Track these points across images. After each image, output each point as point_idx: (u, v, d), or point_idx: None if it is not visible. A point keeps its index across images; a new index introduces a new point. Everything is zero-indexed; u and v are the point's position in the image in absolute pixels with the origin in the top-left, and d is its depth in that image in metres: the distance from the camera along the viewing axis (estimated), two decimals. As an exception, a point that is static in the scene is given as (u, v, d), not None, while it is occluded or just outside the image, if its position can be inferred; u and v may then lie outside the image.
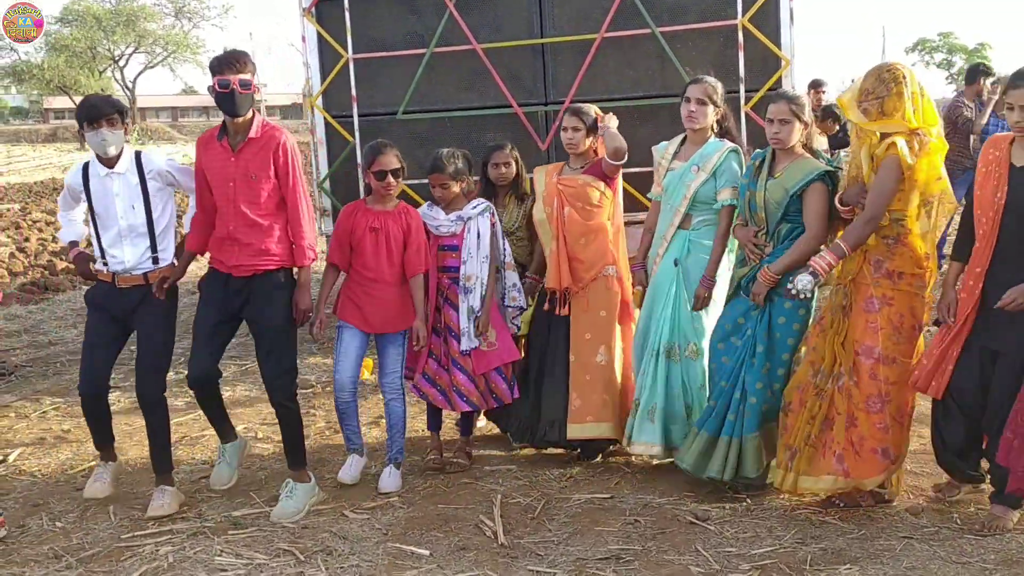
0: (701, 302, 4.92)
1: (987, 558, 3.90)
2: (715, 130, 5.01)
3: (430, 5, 7.11)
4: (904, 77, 4.25)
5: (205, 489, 5.03)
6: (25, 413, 6.54)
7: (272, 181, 4.65)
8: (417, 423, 5.73)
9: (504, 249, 5.17)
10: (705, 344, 4.92)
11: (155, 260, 4.76)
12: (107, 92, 51.08)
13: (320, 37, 7.24)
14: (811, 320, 4.63)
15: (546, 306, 5.25)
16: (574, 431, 5.14)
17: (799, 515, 4.40)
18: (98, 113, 4.61)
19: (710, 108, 4.92)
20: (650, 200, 5.34)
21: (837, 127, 9.40)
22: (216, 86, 4.57)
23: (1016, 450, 4.03)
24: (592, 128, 5.18)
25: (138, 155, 4.80)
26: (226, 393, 6.71)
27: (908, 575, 3.81)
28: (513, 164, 5.44)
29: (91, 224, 4.80)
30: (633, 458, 5.20)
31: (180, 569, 4.09)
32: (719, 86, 4.97)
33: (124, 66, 51.90)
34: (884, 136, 4.30)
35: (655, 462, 5.15)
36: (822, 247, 4.44)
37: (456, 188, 5.03)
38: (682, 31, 6.78)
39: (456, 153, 5.06)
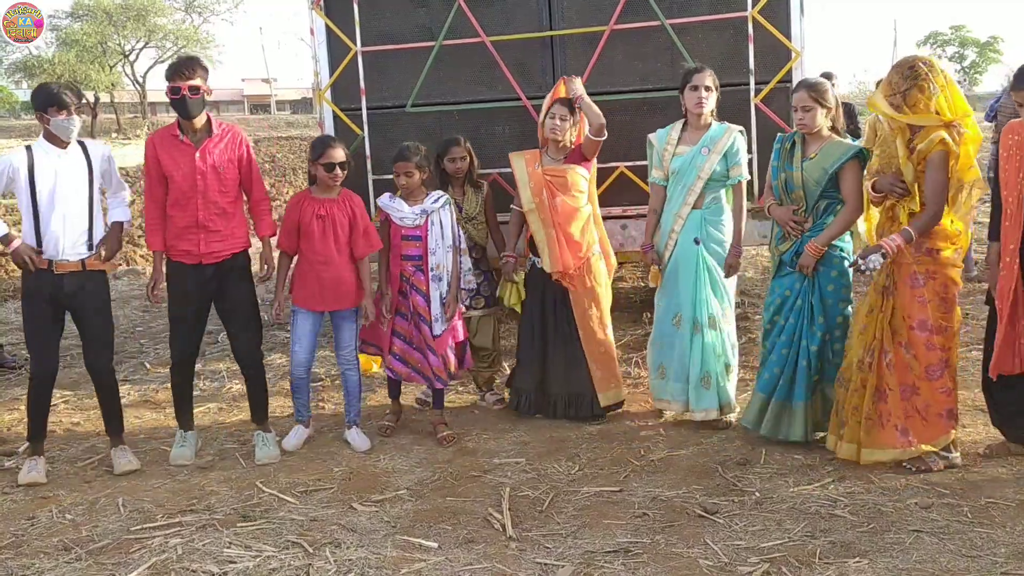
0: (733, 270, 5.49)
1: (997, 552, 3.88)
2: (714, 114, 5.49)
3: (439, -3, 7.09)
4: (925, 72, 4.48)
5: (214, 482, 5.04)
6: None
7: (235, 172, 5.23)
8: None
9: (459, 236, 5.56)
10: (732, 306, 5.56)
11: (89, 246, 5.08)
12: (117, 87, 51.35)
13: (329, 30, 7.22)
14: (851, 284, 5.08)
15: (556, 279, 5.64)
16: (604, 399, 5.71)
17: (808, 508, 4.38)
18: (70, 100, 4.98)
19: (714, 94, 5.41)
20: (651, 184, 5.66)
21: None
22: (168, 93, 5.08)
23: None
24: (573, 111, 5.61)
25: (82, 143, 5.15)
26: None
27: (918, 568, 3.79)
28: (467, 157, 5.94)
29: (29, 209, 4.98)
30: (642, 451, 5.21)
31: (189, 561, 4.10)
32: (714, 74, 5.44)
33: (134, 61, 51.87)
34: (914, 129, 4.52)
35: (660, 454, 5.18)
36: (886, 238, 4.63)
37: (418, 177, 5.42)
38: (692, 23, 6.74)
39: (419, 145, 5.49)
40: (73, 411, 6.42)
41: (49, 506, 4.78)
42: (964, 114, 4.53)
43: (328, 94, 7.28)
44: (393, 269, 5.50)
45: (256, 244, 5.43)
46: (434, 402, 5.73)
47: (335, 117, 7.27)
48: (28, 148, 5.06)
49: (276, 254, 5.44)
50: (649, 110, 6.83)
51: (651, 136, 5.66)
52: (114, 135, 46.32)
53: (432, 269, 5.41)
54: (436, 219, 5.42)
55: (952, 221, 4.63)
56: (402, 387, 5.85)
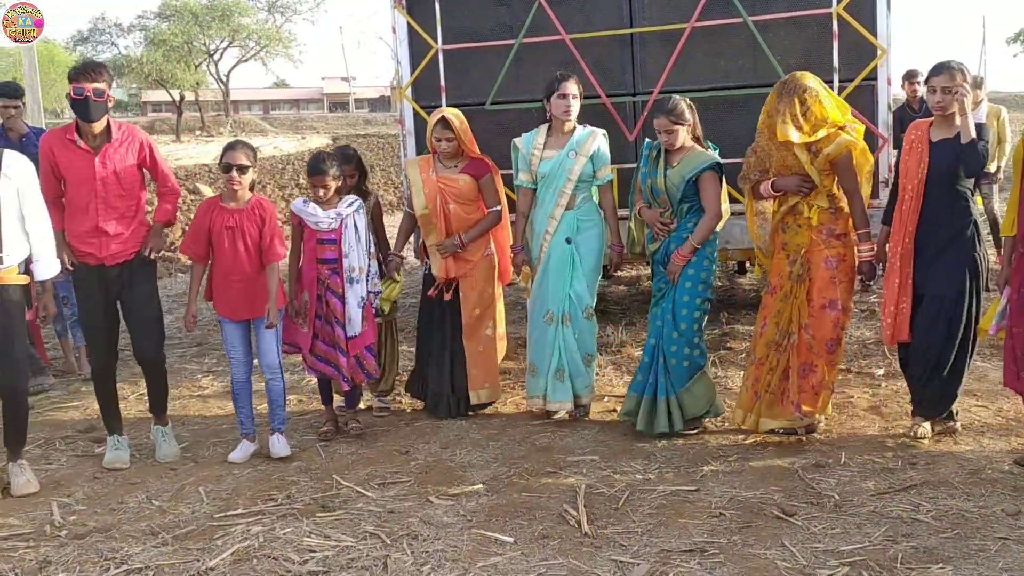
0: (619, 268, 5.91)
1: (1088, 562, 3.77)
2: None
3: (519, -4, 7.13)
4: (816, 88, 5.03)
5: (294, 472, 5.14)
6: (124, 395, 6.73)
7: (136, 174, 5.15)
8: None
9: (370, 240, 5.63)
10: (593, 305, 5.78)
11: None
12: (202, 86, 52.38)
13: (410, 28, 7.30)
14: (712, 281, 5.47)
15: (432, 292, 5.90)
16: (475, 397, 5.96)
17: (890, 512, 4.31)
18: None
19: (579, 101, 5.68)
20: (518, 188, 5.85)
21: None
22: (72, 94, 4.90)
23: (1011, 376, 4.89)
24: (452, 130, 5.70)
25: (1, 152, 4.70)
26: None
27: (1004, 577, 3.71)
28: (355, 175, 5.94)
29: None
30: (719, 451, 5.17)
31: (270, 549, 4.19)
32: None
33: (218, 60, 52.98)
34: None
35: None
36: (862, 243, 5.17)
37: (334, 187, 5.46)
38: (774, 20, 6.67)
39: (332, 157, 5.55)
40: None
41: (137, 492, 4.93)
42: (848, 117, 5.17)
43: (409, 92, 7.37)
44: (310, 272, 5.50)
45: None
46: (347, 402, 5.83)
47: (415, 114, 7.35)
48: None
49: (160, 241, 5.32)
50: (730, 108, 6.78)
51: (516, 141, 5.85)
52: (198, 132, 47.32)
53: (347, 271, 5.45)
54: (350, 222, 5.45)
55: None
56: (333, 393, 5.89)
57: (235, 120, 54.58)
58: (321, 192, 5.42)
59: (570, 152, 5.62)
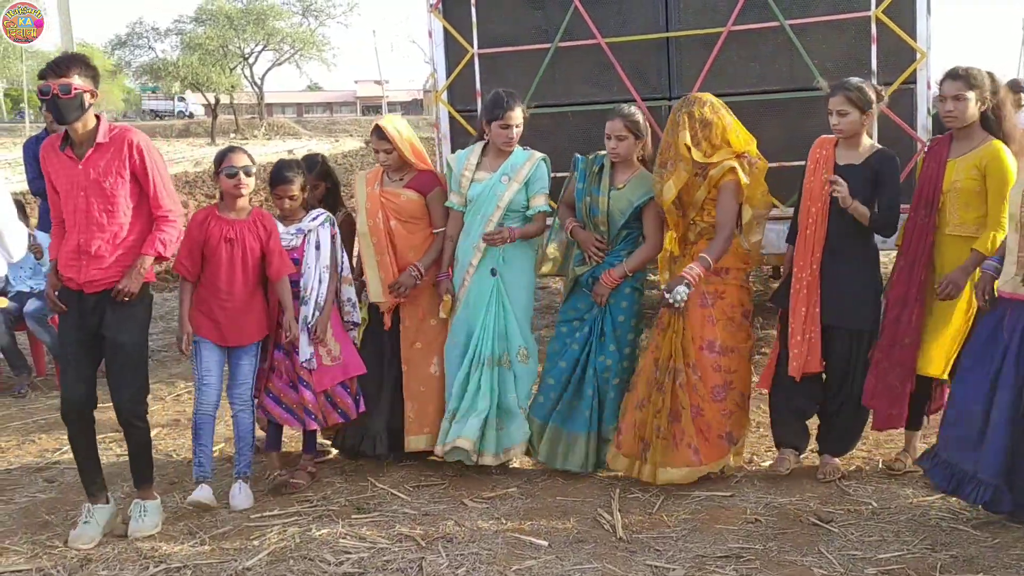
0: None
1: None
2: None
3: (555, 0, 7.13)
4: (719, 107, 4.80)
5: (329, 474, 5.17)
6: (160, 396, 6.81)
7: (127, 185, 4.36)
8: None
9: (342, 262, 5.12)
10: (533, 345, 5.17)
11: None
12: (236, 89, 52.82)
13: (446, 32, 7.32)
14: (640, 313, 5.09)
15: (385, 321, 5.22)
16: (412, 443, 5.19)
17: (928, 521, 4.27)
18: None
19: (521, 129, 5.05)
20: (449, 210, 5.20)
21: None
22: (38, 92, 4.32)
23: (879, 392, 4.65)
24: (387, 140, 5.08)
25: None
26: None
27: (1046, 587, 3.66)
28: (319, 186, 5.42)
29: None
30: (753, 456, 5.13)
31: (306, 550, 4.21)
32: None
33: (253, 63, 53.42)
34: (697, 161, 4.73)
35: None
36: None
37: (301, 198, 5.00)
38: (812, 23, 6.62)
39: (297, 165, 5.06)
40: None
41: (174, 492, 4.98)
42: (751, 146, 4.85)
43: (445, 96, 7.39)
44: (273, 297, 4.94)
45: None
46: (305, 446, 5.17)
47: (451, 119, 7.37)
48: None
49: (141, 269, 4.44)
50: (766, 112, 6.73)
51: (450, 158, 5.30)
52: (232, 135, 47.71)
53: (300, 290, 4.91)
54: (313, 238, 4.95)
55: (746, 242, 4.89)
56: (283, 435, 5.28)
57: (269, 123, 54.99)
58: (286, 203, 4.95)
59: (503, 176, 5.00)
